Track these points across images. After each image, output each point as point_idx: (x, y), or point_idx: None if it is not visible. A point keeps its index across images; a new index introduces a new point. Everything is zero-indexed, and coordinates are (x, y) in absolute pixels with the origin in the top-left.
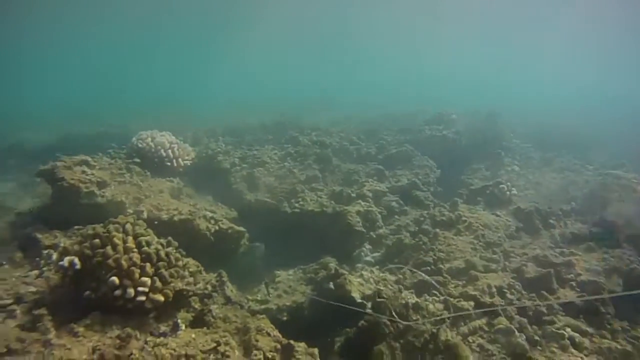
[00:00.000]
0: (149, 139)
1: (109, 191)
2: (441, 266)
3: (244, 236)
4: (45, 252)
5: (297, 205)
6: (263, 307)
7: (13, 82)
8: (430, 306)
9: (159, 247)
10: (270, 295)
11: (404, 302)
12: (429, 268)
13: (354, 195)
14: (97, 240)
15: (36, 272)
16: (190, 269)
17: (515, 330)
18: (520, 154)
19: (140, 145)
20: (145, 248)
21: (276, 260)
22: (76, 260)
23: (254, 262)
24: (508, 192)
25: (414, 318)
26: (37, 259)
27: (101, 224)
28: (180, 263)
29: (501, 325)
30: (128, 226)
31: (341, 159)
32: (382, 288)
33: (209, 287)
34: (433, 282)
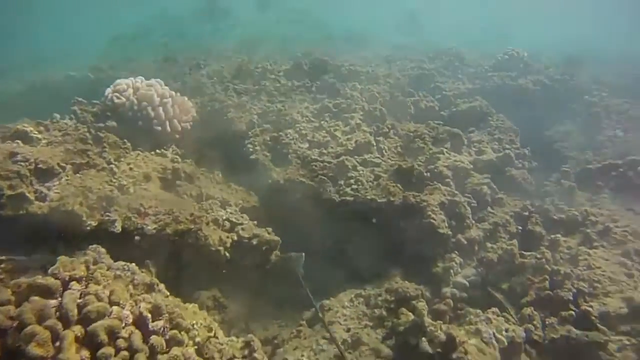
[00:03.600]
0: (130, 90)
1: (57, 188)
2: (587, 308)
3: (277, 247)
4: None
5: (348, 190)
6: None
7: None
8: None
9: (135, 338)
10: (324, 349)
11: None
12: (572, 312)
13: (427, 174)
14: None
15: None
16: (198, 338)
17: None
18: (617, 113)
19: (117, 101)
20: (104, 353)
21: (320, 276)
22: None
23: (292, 282)
24: None
25: None
26: None
27: (10, 289)
28: (177, 352)
29: None
30: (68, 298)
31: (395, 116)
32: None
33: None
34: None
